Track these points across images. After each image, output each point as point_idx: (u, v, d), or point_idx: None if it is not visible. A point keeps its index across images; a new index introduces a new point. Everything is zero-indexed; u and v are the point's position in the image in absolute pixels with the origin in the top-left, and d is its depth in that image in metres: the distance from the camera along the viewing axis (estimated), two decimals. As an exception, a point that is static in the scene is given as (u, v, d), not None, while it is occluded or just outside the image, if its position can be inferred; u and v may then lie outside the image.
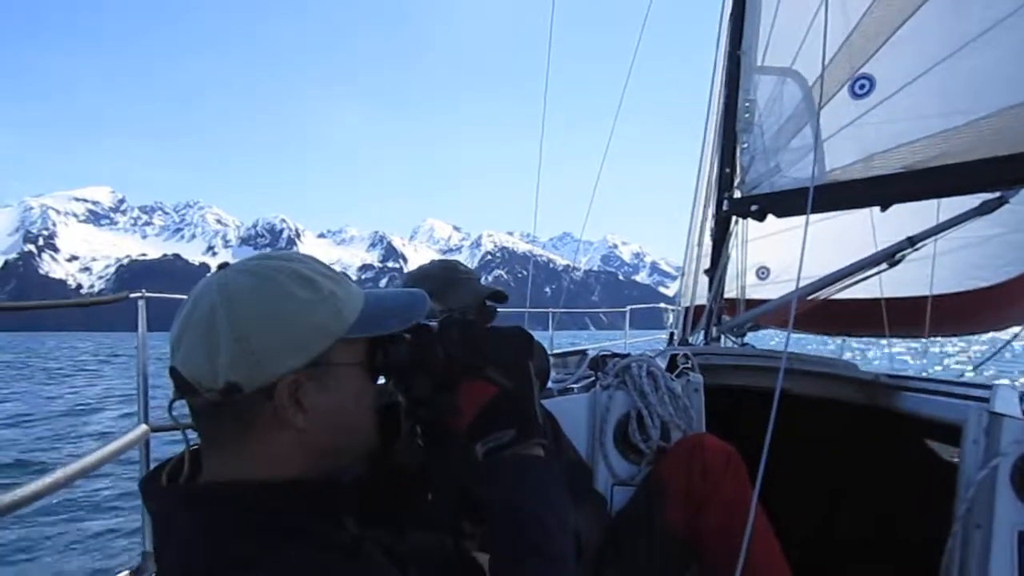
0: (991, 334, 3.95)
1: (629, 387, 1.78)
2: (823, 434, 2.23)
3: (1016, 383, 1.79)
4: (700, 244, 3.59)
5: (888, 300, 3.35)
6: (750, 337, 3.43)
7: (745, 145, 3.00)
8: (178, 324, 0.73)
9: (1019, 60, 2.25)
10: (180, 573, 0.68)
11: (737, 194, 3.04)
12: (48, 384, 22.77)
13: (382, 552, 0.75)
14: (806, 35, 2.76)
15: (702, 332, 3.37)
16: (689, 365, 1.98)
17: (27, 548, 6.04)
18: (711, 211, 3.42)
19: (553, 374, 2.15)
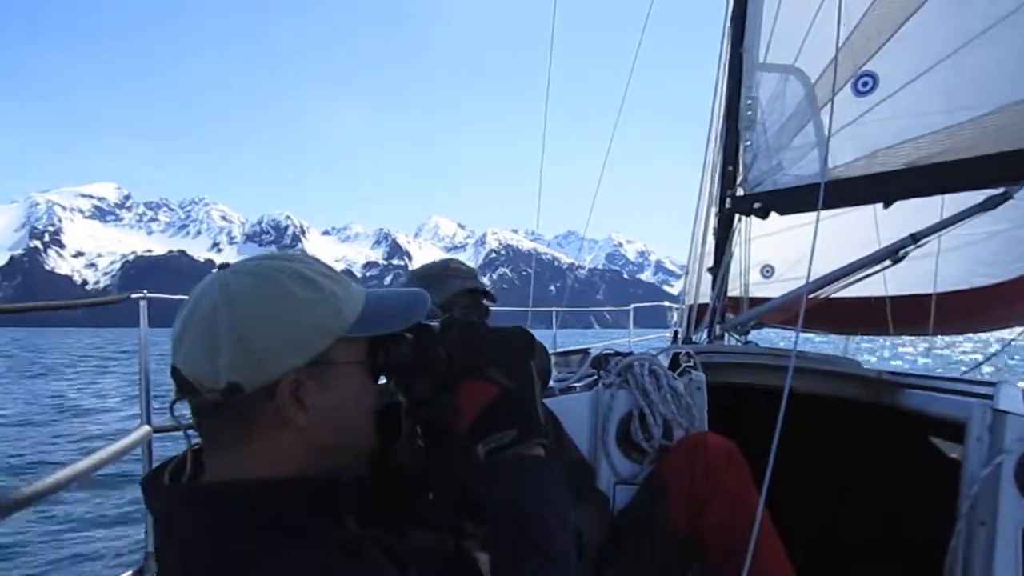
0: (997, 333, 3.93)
1: (631, 386, 1.78)
2: (827, 431, 2.22)
3: (1019, 383, 1.78)
4: (704, 242, 3.59)
5: (892, 298, 3.34)
6: (753, 335, 3.43)
7: (748, 143, 3.00)
8: (180, 322, 0.74)
9: (1022, 57, 2.25)
10: (182, 573, 0.68)
11: (740, 192, 3.04)
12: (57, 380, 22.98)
13: (382, 551, 0.75)
14: (808, 32, 2.76)
15: (706, 330, 3.37)
16: (691, 363, 1.98)
17: (28, 549, 6.06)
18: (715, 209, 3.42)
19: (555, 373, 2.15)
